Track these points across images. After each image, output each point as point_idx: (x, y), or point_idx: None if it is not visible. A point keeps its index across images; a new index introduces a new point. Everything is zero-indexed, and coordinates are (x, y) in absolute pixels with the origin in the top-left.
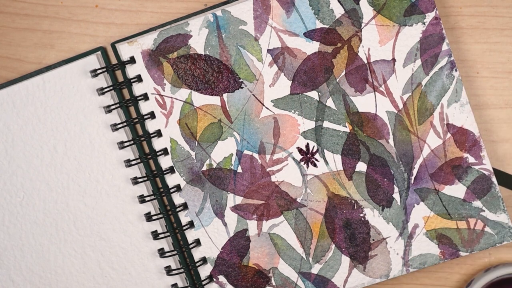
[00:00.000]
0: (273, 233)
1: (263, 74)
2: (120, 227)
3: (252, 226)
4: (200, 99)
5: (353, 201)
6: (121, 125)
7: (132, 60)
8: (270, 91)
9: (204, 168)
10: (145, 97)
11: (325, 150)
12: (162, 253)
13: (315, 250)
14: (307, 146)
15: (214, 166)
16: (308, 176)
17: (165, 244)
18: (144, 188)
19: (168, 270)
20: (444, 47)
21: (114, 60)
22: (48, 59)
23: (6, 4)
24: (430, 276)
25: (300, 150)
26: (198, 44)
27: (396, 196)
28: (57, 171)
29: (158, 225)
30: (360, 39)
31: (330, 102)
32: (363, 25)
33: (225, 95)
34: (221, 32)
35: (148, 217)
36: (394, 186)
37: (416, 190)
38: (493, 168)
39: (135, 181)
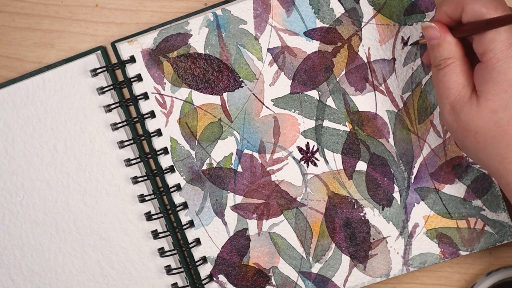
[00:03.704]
0: (273, 232)
1: (263, 73)
2: (120, 226)
3: (252, 225)
4: (200, 98)
5: (353, 200)
6: (121, 125)
7: (132, 60)
8: (270, 90)
9: (204, 167)
10: (145, 96)
11: (325, 149)
12: (162, 252)
13: (315, 250)
14: (307, 145)
15: (214, 165)
16: (308, 175)
17: (165, 243)
18: (144, 188)
19: (168, 270)
20: None
21: (114, 60)
22: (48, 58)
23: (6, 3)
24: (430, 276)
25: (300, 149)
26: (198, 43)
27: (396, 195)
28: (57, 171)
29: (158, 225)
30: (360, 38)
31: (330, 101)
32: (363, 24)
33: (225, 94)
34: (221, 31)
35: (148, 216)
36: (394, 185)
37: (416, 189)
38: None
39: (135, 180)
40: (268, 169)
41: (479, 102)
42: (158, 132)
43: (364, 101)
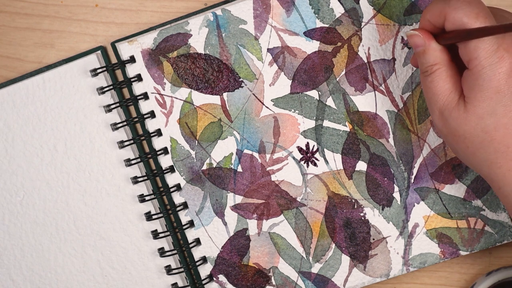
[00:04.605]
0: (273, 232)
1: (263, 73)
2: (120, 226)
3: (252, 225)
4: (200, 98)
5: (353, 201)
6: (121, 125)
7: (132, 60)
8: (270, 90)
9: (204, 167)
10: (145, 96)
11: (325, 149)
12: (162, 252)
13: (315, 250)
14: (307, 145)
15: (214, 165)
16: (308, 175)
17: (165, 243)
18: (144, 188)
19: (168, 270)
20: None
21: (114, 60)
22: (48, 58)
23: (6, 3)
24: (430, 276)
25: (300, 149)
26: (198, 43)
27: (396, 195)
28: (57, 171)
29: (158, 225)
30: (360, 38)
31: (330, 101)
32: (363, 24)
33: (225, 94)
34: (221, 31)
35: (148, 216)
36: (394, 185)
37: (416, 189)
38: None
39: (135, 180)
40: (268, 169)
41: (466, 108)
42: (158, 132)
43: (364, 101)
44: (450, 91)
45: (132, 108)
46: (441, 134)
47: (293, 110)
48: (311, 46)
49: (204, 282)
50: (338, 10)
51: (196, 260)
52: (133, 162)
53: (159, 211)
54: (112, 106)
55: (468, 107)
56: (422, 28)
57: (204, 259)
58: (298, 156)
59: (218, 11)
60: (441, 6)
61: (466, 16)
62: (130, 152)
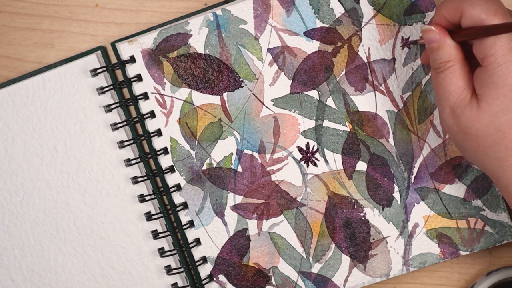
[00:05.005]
0: (273, 232)
1: (263, 73)
2: (120, 226)
3: (252, 225)
4: (200, 98)
5: (353, 201)
6: (121, 125)
7: (132, 60)
8: (270, 90)
9: (204, 167)
10: (145, 96)
11: (325, 149)
12: (162, 252)
13: (315, 250)
14: (307, 145)
15: (214, 165)
16: (308, 176)
17: (165, 243)
18: (144, 188)
19: (168, 270)
20: None
21: (114, 60)
22: (48, 58)
23: (6, 3)
24: (430, 276)
25: (300, 149)
26: (198, 43)
27: (396, 195)
28: (57, 171)
29: (158, 225)
30: (360, 38)
31: (330, 101)
32: (363, 24)
33: (225, 94)
34: (221, 31)
35: (148, 216)
36: (394, 185)
37: (416, 189)
38: None
39: (135, 180)
40: (268, 169)
41: (479, 106)
42: (158, 132)
43: (364, 101)
44: (463, 88)
45: (132, 108)
46: (450, 132)
47: (293, 110)
48: (311, 46)
49: (204, 282)
50: (338, 10)
51: (196, 260)
52: (133, 162)
53: (159, 211)
54: (112, 106)
55: (482, 105)
56: (437, 24)
57: (204, 259)
58: (298, 156)
59: (218, 11)
60: (458, 2)
61: (484, 12)
62: (130, 152)
